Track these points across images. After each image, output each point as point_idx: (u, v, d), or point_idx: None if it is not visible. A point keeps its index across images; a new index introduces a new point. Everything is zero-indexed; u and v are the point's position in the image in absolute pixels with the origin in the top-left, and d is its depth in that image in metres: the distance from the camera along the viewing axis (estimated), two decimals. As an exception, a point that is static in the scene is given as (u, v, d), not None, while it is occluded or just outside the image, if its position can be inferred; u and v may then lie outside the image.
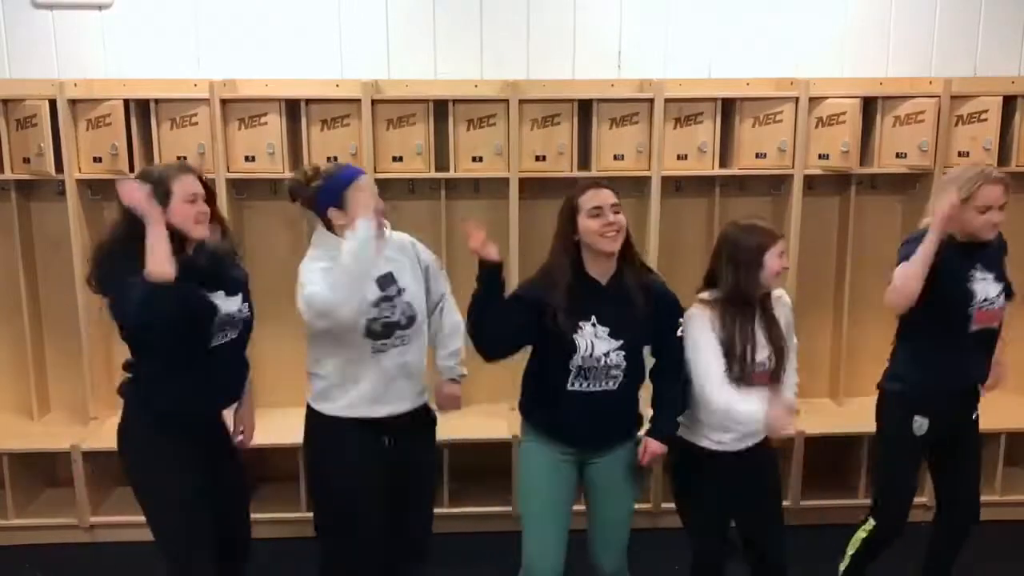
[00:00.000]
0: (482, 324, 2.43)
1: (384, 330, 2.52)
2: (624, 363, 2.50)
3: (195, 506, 2.45)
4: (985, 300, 2.72)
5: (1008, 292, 2.83)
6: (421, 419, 2.69)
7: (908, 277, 2.63)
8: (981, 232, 2.68)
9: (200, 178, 2.45)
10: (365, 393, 2.54)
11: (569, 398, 2.51)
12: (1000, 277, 2.77)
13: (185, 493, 2.44)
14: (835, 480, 3.96)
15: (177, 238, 2.32)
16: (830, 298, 4.10)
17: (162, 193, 2.32)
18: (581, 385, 2.50)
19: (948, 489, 2.94)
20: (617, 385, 2.51)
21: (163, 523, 2.47)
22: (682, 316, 2.61)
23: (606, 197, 2.48)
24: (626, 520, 2.70)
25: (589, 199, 2.47)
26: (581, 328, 2.46)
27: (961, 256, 2.72)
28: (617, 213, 2.47)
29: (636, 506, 3.66)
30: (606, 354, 2.47)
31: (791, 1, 3.94)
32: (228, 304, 2.47)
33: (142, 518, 2.53)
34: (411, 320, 2.57)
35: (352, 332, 2.48)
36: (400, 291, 2.56)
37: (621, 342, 2.48)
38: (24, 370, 3.93)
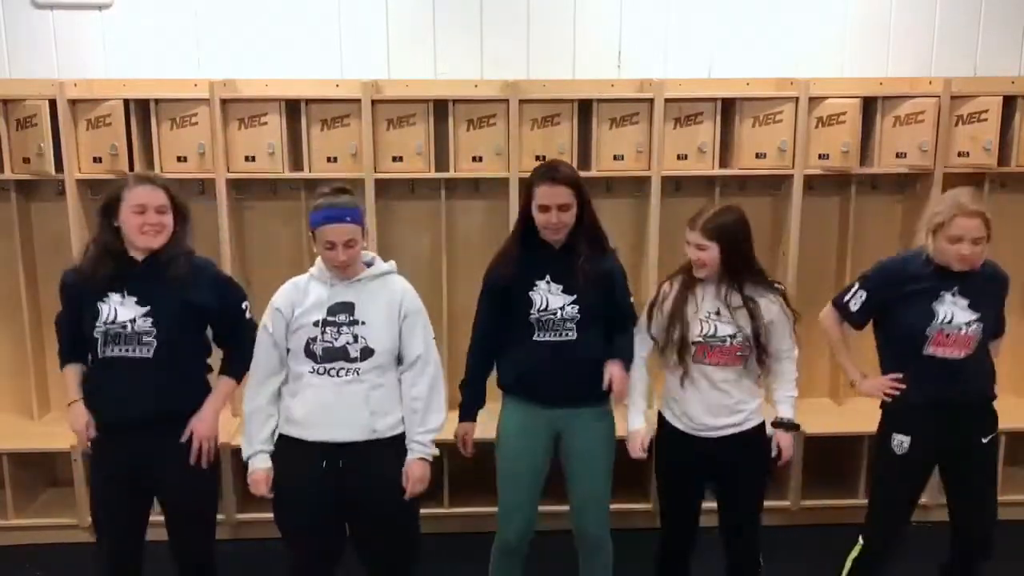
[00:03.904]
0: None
1: (322, 355, 2.50)
2: (578, 316, 2.65)
3: (103, 504, 2.60)
4: (948, 323, 2.69)
5: (994, 328, 2.81)
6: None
7: (828, 335, 2.96)
8: (951, 263, 2.66)
9: (167, 191, 2.53)
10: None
11: (533, 346, 2.68)
12: (976, 306, 2.70)
13: (96, 491, 2.62)
14: (835, 480, 3.95)
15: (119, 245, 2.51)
16: (830, 298, 4.09)
17: (115, 198, 2.49)
18: (542, 336, 2.68)
19: (954, 515, 2.88)
20: (576, 335, 2.66)
21: None
22: (627, 287, 2.77)
23: (555, 197, 2.60)
24: (604, 488, 2.78)
25: (540, 195, 2.62)
26: (536, 285, 2.67)
27: (936, 277, 2.71)
28: (565, 211, 2.61)
29: (636, 506, 3.70)
30: (561, 308, 2.65)
31: (791, 1, 3.94)
32: (124, 310, 2.47)
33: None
34: (365, 353, 2.50)
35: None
36: (353, 322, 2.50)
37: (575, 296, 2.65)
38: (24, 370, 3.93)
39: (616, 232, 3.91)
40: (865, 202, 3.98)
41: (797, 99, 3.72)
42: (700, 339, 2.62)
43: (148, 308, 2.48)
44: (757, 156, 3.78)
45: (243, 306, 2.68)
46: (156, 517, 2.65)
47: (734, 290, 2.63)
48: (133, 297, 2.49)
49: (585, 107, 3.76)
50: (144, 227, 2.46)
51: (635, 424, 2.74)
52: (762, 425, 2.73)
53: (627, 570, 2.96)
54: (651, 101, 3.70)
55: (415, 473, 2.56)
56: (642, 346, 2.76)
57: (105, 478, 2.58)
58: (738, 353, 2.63)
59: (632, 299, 2.81)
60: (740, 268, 2.63)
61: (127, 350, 2.48)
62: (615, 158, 3.76)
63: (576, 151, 3.75)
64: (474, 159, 3.75)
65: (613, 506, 2.84)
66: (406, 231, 3.98)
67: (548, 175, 2.62)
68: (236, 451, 3.35)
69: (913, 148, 3.78)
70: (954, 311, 2.70)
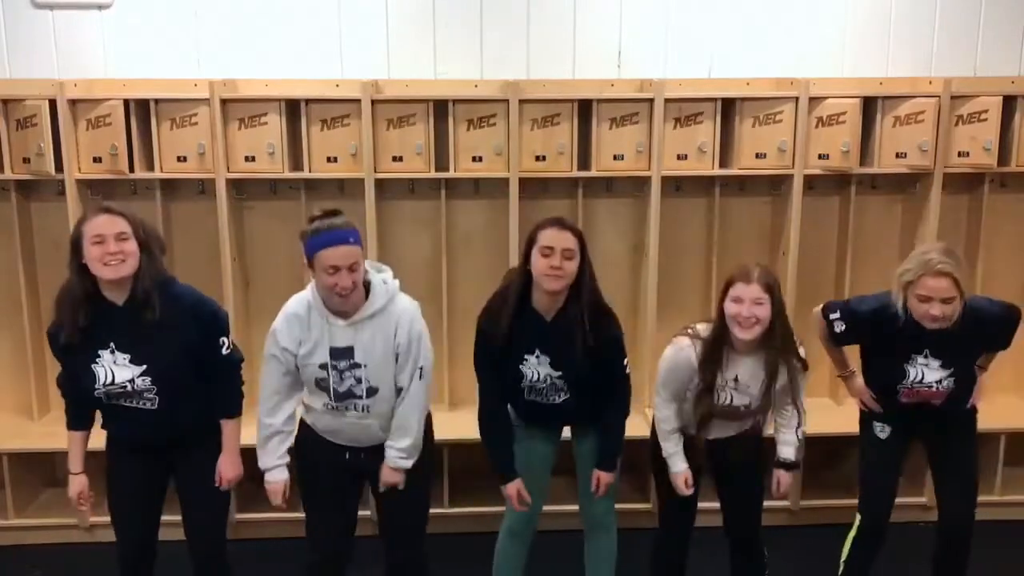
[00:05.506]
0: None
1: (333, 396, 2.54)
2: (566, 385, 2.68)
3: (120, 508, 2.66)
4: (919, 382, 2.72)
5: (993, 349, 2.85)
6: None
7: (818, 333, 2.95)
8: (921, 320, 2.60)
9: (128, 219, 2.42)
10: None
11: (528, 404, 2.76)
12: (950, 364, 2.68)
13: (117, 498, 2.66)
14: (835, 480, 3.96)
15: (89, 284, 2.42)
16: (830, 298, 4.09)
17: (78, 235, 2.40)
18: (535, 398, 2.74)
19: (937, 489, 2.94)
20: (568, 395, 2.71)
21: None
22: (622, 354, 2.70)
23: (561, 240, 2.52)
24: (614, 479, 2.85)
25: (545, 237, 2.54)
26: (526, 360, 2.66)
27: (910, 335, 2.67)
28: (569, 259, 2.53)
29: (634, 506, 3.70)
30: (548, 378, 2.68)
31: (791, 1, 3.94)
32: (120, 371, 2.44)
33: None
34: (370, 392, 2.53)
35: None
36: (354, 366, 2.49)
37: (561, 372, 2.65)
38: (24, 370, 3.93)
39: (616, 232, 3.96)
40: (865, 202, 3.98)
41: (797, 99, 3.72)
42: (722, 408, 2.64)
43: (144, 367, 2.44)
44: (757, 156, 3.78)
45: (220, 341, 2.56)
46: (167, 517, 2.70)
47: (768, 358, 2.53)
48: (125, 355, 2.43)
49: (585, 107, 3.75)
50: (105, 257, 2.35)
51: (677, 468, 2.72)
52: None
53: (627, 570, 2.97)
54: (651, 101, 3.69)
55: (390, 478, 2.60)
56: (666, 406, 2.71)
57: (125, 470, 2.63)
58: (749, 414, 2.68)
59: (627, 363, 2.76)
60: (782, 330, 2.53)
61: (131, 402, 2.49)
62: (615, 158, 3.75)
63: (576, 151, 3.75)
64: (474, 159, 3.75)
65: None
66: (406, 231, 3.98)
67: (554, 221, 2.58)
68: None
69: (913, 148, 3.77)
70: (925, 372, 2.72)
